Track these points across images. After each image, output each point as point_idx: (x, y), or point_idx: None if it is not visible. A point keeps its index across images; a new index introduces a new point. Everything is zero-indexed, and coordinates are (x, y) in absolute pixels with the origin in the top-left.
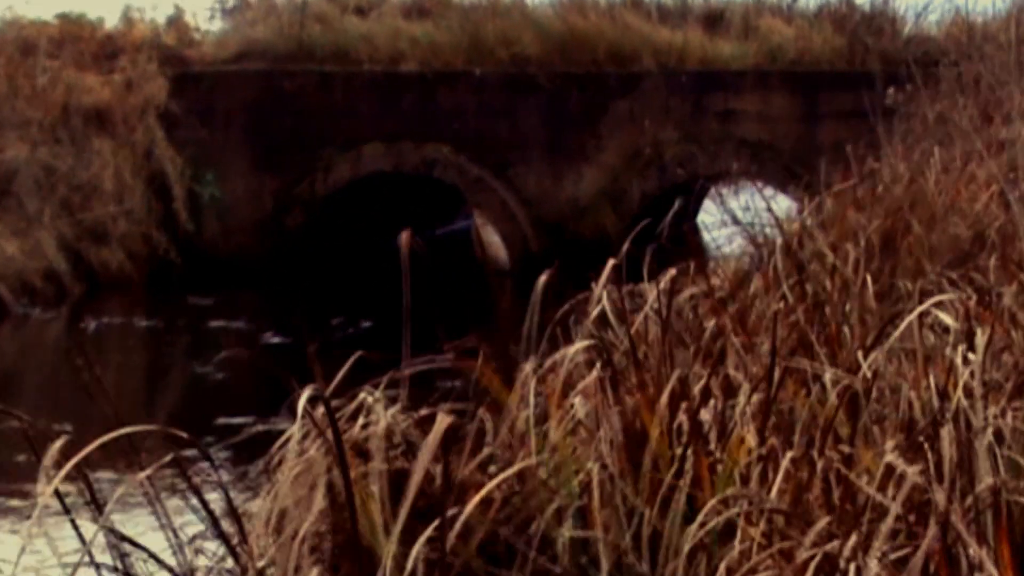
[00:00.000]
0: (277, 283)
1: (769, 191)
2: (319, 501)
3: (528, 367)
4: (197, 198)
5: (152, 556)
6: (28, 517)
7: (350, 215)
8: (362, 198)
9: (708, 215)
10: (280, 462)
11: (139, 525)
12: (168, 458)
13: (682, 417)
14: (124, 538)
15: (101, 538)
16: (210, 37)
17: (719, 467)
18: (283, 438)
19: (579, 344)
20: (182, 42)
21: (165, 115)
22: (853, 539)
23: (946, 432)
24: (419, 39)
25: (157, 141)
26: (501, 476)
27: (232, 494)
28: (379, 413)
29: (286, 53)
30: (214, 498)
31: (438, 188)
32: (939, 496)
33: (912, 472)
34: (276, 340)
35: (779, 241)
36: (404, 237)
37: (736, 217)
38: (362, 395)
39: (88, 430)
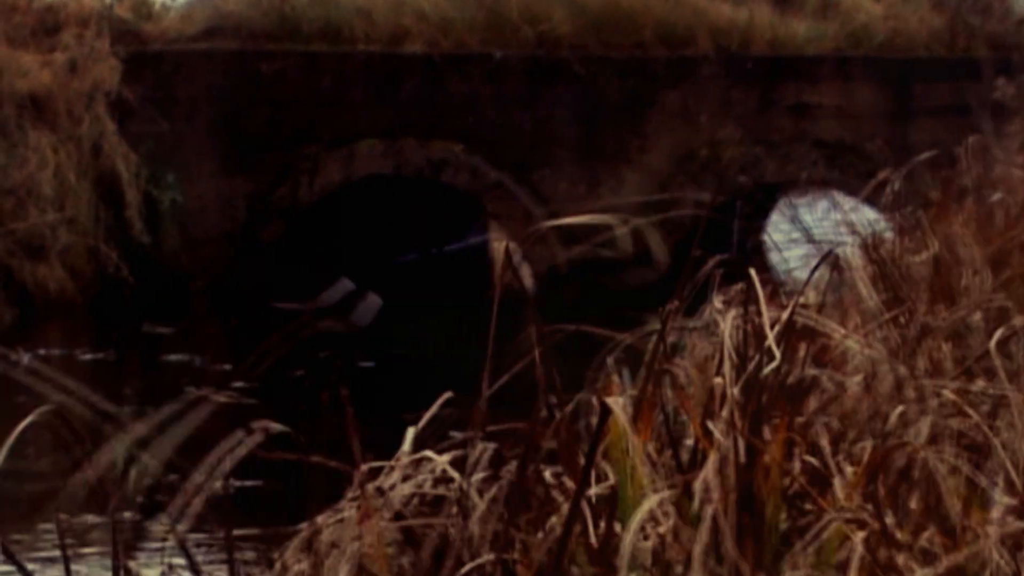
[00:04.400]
0: (250, 308)
1: (851, 203)
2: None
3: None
4: (155, 204)
5: None
6: None
7: (340, 227)
8: (355, 206)
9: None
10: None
11: None
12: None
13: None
14: None
15: None
16: (173, 10)
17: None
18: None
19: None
20: (139, 15)
21: (117, 103)
22: None
23: None
24: (426, 14)
25: (107, 135)
26: None
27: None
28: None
29: (264, 29)
30: None
31: (448, 195)
32: None
33: None
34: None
35: (865, 265)
36: None
37: (811, 234)
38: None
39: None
